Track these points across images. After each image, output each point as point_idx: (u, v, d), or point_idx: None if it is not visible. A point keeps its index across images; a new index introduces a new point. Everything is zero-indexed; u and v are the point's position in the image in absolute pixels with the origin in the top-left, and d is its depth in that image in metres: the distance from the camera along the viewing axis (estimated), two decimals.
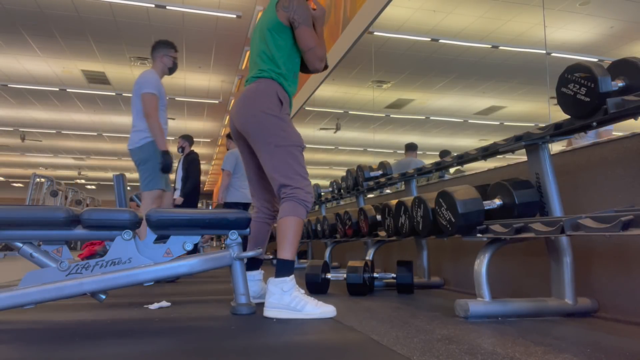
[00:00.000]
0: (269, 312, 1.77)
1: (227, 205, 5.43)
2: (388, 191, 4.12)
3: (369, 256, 3.04)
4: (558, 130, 1.74)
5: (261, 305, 1.93)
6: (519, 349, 1.23)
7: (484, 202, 1.91)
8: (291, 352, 1.19)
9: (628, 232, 1.30)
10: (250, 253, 1.91)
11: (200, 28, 7.19)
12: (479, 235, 1.87)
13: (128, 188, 2.68)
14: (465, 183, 2.73)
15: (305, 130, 7.88)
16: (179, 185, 5.69)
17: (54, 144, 15.06)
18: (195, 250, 6.07)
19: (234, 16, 6.74)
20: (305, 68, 2.14)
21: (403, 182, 3.16)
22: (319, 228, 4.11)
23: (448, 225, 1.95)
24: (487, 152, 2.16)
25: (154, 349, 1.23)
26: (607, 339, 1.37)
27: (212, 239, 13.97)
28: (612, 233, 1.33)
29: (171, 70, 3.55)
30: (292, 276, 1.82)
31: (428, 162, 2.78)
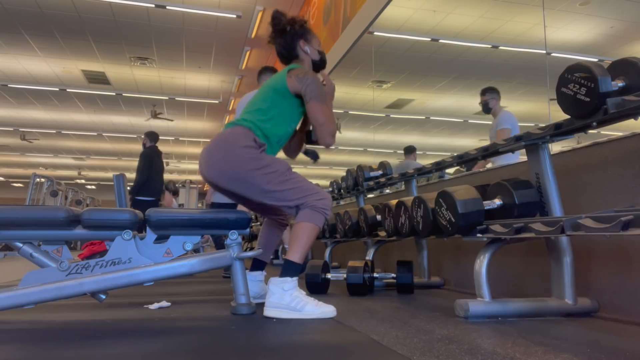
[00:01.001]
0: (269, 312, 1.77)
1: (214, 205, 5.47)
2: (388, 191, 4.12)
3: (369, 256, 3.04)
4: (558, 130, 1.74)
5: (261, 305, 1.93)
6: (519, 349, 1.23)
7: (484, 202, 1.91)
8: (291, 352, 1.19)
9: (628, 232, 1.30)
10: (250, 253, 1.91)
11: (200, 28, 7.19)
12: (479, 235, 1.87)
13: (127, 188, 2.69)
14: (465, 183, 2.73)
15: None
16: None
17: (54, 144, 15.06)
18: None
19: (234, 16, 6.74)
20: (310, 140, 2.16)
21: (403, 182, 3.16)
22: None
23: (448, 225, 1.95)
24: (487, 152, 2.16)
25: (154, 349, 1.23)
26: (607, 339, 1.37)
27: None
28: (612, 233, 1.33)
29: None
30: (296, 278, 1.82)
31: (428, 162, 2.78)
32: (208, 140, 14.57)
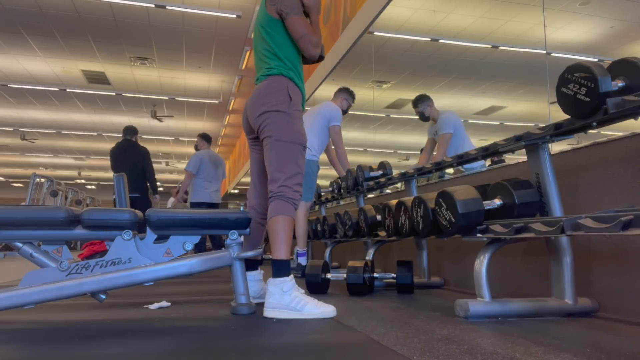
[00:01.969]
0: (269, 312, 1.77)
1: (192, 205, 5.50)
2: (388, 191, 4.12)
3: (369, 256, 3.04)
4: (558, 130, 1.74)
5: (261, 305, 1.93)
6: (519, 349, 1.23)
7: (484, 202, 1.91)
8: (291, 352, 1.19)
9: (628, 232, 1.30)
10: (250, 253, 1.91)
11: (200, 28, 7.19)
12: (479, 235, 1.87)
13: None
14: (465, 183, 2.73)
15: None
16: None
17: (54, 144, 15.06)
18: (203, 249, 6.05)
19: (234, 16, 6.74)
20: (303, 58, 2.15)
21: (403, 182, 3.16)
22: (319, 228, 4.11)
23: (448, 225, 1.95)
24: (487, 152, 2.16)
25: (154, 349, 1.23)
26: (607, 339, 1.37)
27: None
28: (612, 233, 1.33)
29: (344, 112, 3.91)
30: (292, 276, 1.82)
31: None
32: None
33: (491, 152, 2.13)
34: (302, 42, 1.98)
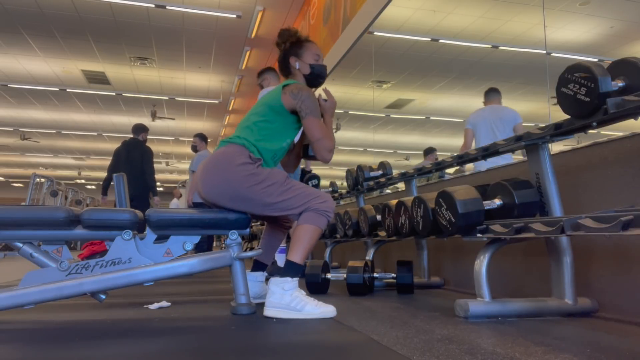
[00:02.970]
0: (269, 312, 1.77)
1: (195, 205, 5.46)
2: (388, 191, 4.12)
3: (369, 256, 3.04)
4: (558, 130, 1.74)
5: (261, 305, 1.93)
6: (519, 349, 1.23)
7: (484, 202, 1.91)
8: (291, 352, 1.19)
9: (628, 232, 1.30)
10: (250, 253, 1.91)
11: (200, 28, 7.19)
12: (479, 235, 1.87)
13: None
14: (465, 183, 2.73)
15: None
16: None
17: (54, 144, 15.06)
18: (210, 248, 5.99)
19: (234, 16, 6.74)
20: (307, 155, 2.17)
21: (403, 182, 3.16)
22: None
23: (448, 225, 1.95)
24: (487, 152, 2.16)
25: (154, 349, 1.23)
26: (607, 339, 1.37)
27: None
28: (612, 233, 1.33)
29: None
30: (297, 279, 1.82)
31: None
32: (209, 140, 14.58)
33: (491, 152, 2.13)
34: (317, 145, 1.92)
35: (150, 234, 1.86)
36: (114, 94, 10.24)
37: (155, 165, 5.76)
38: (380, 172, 3.47)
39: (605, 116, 1.52)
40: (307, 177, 3.98)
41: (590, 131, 1.70)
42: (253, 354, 1.16)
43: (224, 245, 2.09)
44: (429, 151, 5.89)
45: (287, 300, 1.76)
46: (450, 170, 4.27)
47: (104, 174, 5.86)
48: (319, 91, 2.28)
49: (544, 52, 2.80)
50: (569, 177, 2.01)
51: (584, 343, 1.31)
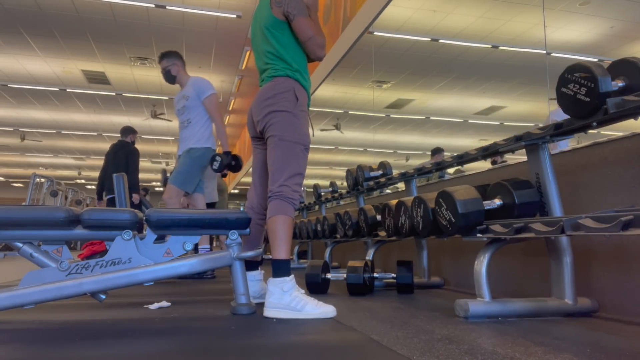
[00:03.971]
0: (269, 312, 1.77)
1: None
2: (388, 191, 4.12)
3: (369, 256, 3.04)
4: (558, 130, 1.74)
5: (261, 305, 1.93)
6: (519, 349, 1.23)
7: (484, 202, 1.91)
8: (291, 352, 1.19)
9: (628, 232, 1.30)
10: (250, 253, 1.91)
11: (200, 28, 7.19)
12: (479, 235, 1.87)
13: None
14: (465, 183, 2.73)
15: None
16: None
17: (54, 144, 15.06)
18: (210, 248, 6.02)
19: (234, 16, 6.74)
20: (308, 57, 2.16)
21: (403, 182, 3.16)
22: (319, 228, 4.11)
23: (448, 225, 1.95)
24: (487, 152, 2.16)
25: (154, 349, 1.23)
26: (607, 339, 1.37)
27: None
28: (612, 233, 1.33)
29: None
30: (292, 276, 1.82)
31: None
32: None
33: (491, 152, 2.13)
34: (309, 44, 1.99)
35: (150, 234, 1.86)
36: (114, 94, 10.24)
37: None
38: (380, 172, 3.47)
39: (605, 116, 1.52)
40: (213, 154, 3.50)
41: (590, 131, 1.70)
42: (253, 354, 1.16)
43: (223, 246, 2.09)
44: (436, 151, 5.89)
45: (287, 300, 1.76)
46: (451, 170, 4.27)
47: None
48: None
49: (544, 52, 2.80)
50: (569, 177, 2.01)
51: (584, 343, 1.31)
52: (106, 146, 15.19)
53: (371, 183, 3.48)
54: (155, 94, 10.29)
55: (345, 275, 2.53)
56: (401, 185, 3.36)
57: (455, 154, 2.45)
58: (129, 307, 2.07)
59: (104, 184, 5.46)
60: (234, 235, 1.91)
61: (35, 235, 1.74)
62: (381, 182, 3.36)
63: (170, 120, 11.99)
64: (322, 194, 4.62)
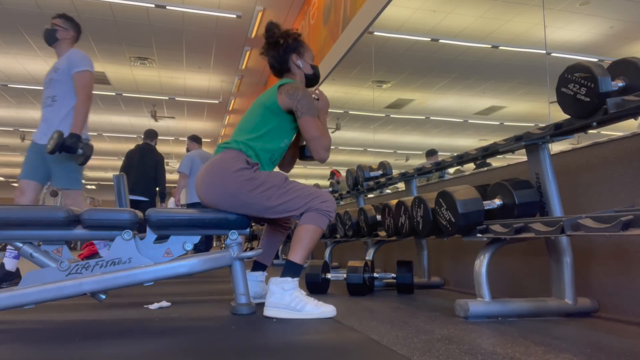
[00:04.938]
0: (269, 312, 1.77)
1: (188, 205, 5.52)
2: (388, 191, 4.12)
3: (369, 256, 3.04)
4: (558, 130, 1.74)
5: (261, 305, 1.93)
6: (519, 349, 1.23)
7: (484, 202, 1.91)
8: (291, 352, 1.19)
9: (628, 232, 1.30)
10: (250, 253, 1.91)
11: (200, 28, 7.19)
12: (479, 235, 1.87)
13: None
14: (465, 183, 2.73)
15: None
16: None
17: None
18: (210, 247, 6.04)
19: (234, 16, 6.74)
20: (303, 156, 2.17)
21: (403, 182, 3.16)
22: None
23: (448, 225, 1.95)
24: (487, 152, 2.16)
25: (154, 349, 1.23)
26: (607, 339, 1.37)
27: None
28: (612, 233, 1.33)
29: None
30: (297, 279, 1.82)
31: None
32: (208, 140, 14.58)
33: (491, 152, 2.13)
34: (314, 143, 1.92)
35: (150, 234, 1.86)
36: (114, 94, 10.24)
37: None
38: (380, 172, 3.47)
39: (605, 116, 1.52)
40: None
41: (590, 131, 1.70)
42: (253, 354, 1.16)
43: (223, 245, 2.09)
44: (430, 153, 5.88)
45: (287, 300, 1.76)
46: (451, 170, 4.27)
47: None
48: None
49: (544, 52, 2.80)
50: (569, 177, 2.01)
51: (584, 343, 1.31)
52: (107, 146, 15.21)
53: (371, 183, 3.48)
54: (155, 94, 10.29)
55: (345, 275, 2.53)
56: (401, 185, 3.36)
57: (455, 154, 2.45)
58: (129, 307, 2.07)
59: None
60: (234, 235, 1.91)
61: (35, 235, 1.74)
62: (381, 182, 3.36)
63: (173, 117, 11.99)
64: None
